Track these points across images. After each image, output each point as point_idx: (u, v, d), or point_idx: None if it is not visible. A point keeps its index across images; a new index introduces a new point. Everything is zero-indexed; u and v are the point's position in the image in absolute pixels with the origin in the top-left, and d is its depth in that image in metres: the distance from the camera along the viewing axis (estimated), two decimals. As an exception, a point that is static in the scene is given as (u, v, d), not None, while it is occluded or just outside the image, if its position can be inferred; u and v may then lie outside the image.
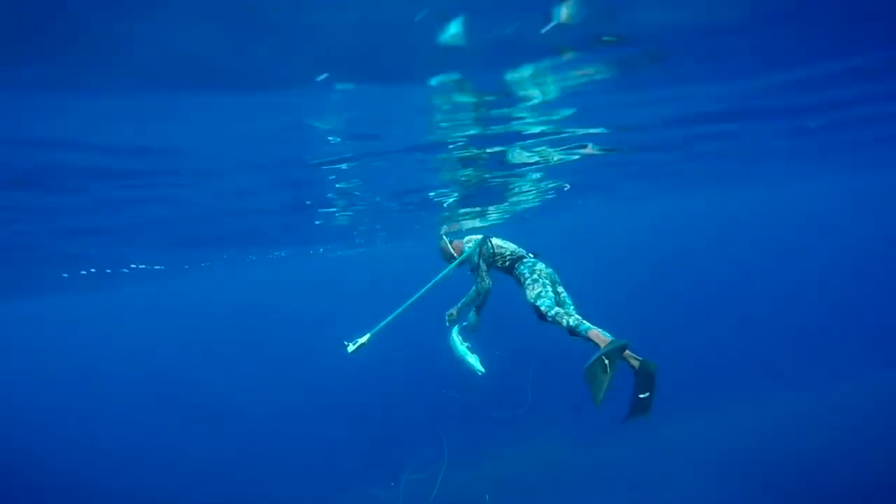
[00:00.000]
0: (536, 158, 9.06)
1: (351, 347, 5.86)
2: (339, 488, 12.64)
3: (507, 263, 6.50)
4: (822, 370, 14.90)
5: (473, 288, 6.60)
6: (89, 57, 3.53)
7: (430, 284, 6.44)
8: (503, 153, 8.40)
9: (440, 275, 6.49)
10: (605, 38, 4.68)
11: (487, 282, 6.40)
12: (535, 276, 6.08)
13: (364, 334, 5.95)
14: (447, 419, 13.33)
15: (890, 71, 6.80)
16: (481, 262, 6.41)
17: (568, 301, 6.14)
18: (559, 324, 5.60)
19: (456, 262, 6.52)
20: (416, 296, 6.41)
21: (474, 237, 6.73)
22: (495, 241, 6.64)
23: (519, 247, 6.66)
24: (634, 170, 11.84)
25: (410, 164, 8.40)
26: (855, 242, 32.79)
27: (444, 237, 7.12)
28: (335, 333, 6.04)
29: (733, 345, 18.04)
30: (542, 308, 5.72)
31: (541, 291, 5.93)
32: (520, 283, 6.29)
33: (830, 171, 17.71)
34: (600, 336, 5.25)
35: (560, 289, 6.23)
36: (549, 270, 6.26)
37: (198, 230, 10.89)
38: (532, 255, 6.54)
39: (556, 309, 5.71)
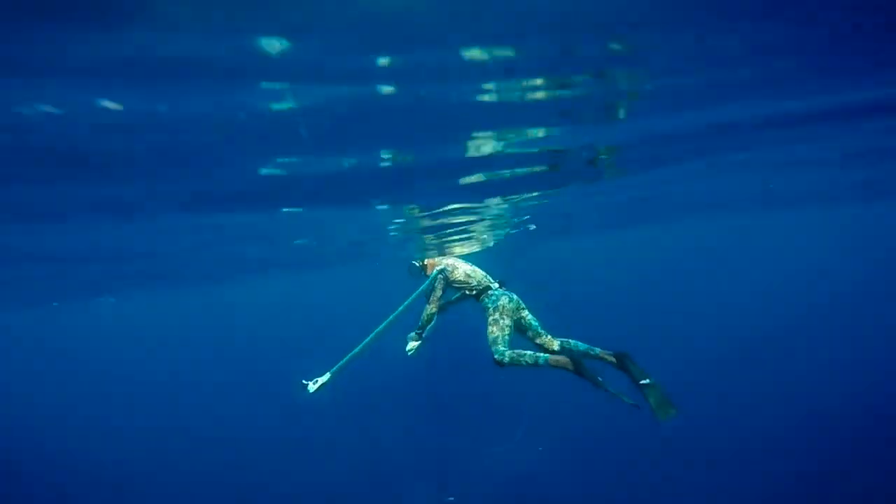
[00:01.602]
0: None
1: (312, 387, 5.84)
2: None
3: (474, 293, 6.59)
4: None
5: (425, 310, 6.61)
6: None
7: (394, 314, 6.40)
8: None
9: (402, 304, 6.46)
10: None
11: (430, 309, 6.43)
12: (495, 316, 6.09)
13: (324, 372, 5.94)
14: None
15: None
16: (437, 288, 6.54)
17: (533, 324, 6.23)
18: (519, 366, 5.67)
19: (415, 292, 6.55)
20: (380, 326, 6.38)
21: (445, 261, 6.80)
22: (462, 268, 6.68)
23: (487, 275, 6.75)
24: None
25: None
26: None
27: (416, 261, 7.12)
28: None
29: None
30: (496, 356, 5.75)
31: (497, 337, 5.91)
32: (485, 313, 6.32)
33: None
34: (560, 360, 5.50)
35: (525, 313, 6.29)
36: (513, 304, 6.25)
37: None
38: (498, 285, 6.58)
39: (510, 353, 5.74)
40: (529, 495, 11.35)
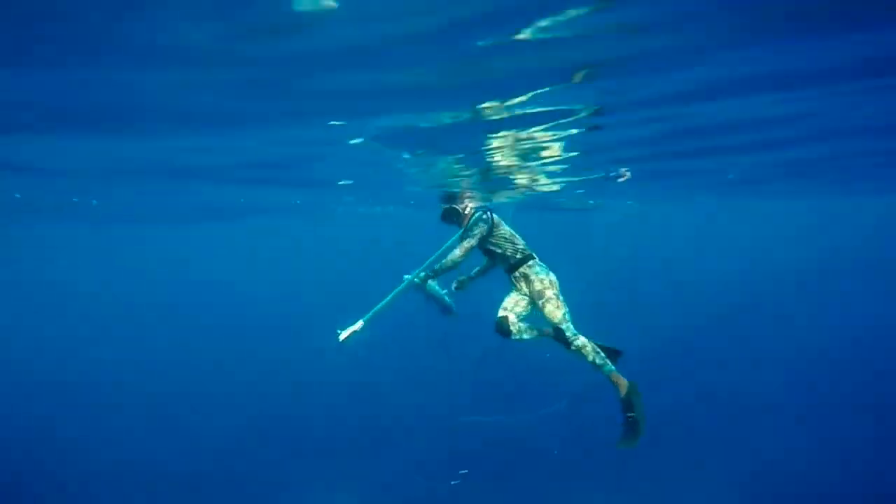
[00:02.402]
0: None
1: (343, 335, 5.82)
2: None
3: (518, 255, 5.70)
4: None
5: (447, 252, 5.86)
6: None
7: (430, 259, 6.23)
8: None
9: (441, 249, 6.28)
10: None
11: (457, 255, 5.60)
12: (551, 291, 5.50)
13: (357, 320, 5.90)
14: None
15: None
16: (475, 235, 5.65)
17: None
18: (582, 357, 5.38)
19: (451, 239, 6.27)
20: (415, 273, 6.26)
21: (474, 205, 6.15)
22: (506, 226, 5.91)
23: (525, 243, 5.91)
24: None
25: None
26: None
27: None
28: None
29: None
30: (569, 334, 5.34)
31: (562, 316, 5.43)
32: (517, 286, 5.70)
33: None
34: (621, 380, 5.30)
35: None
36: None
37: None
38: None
39: (582, 339, 5.38)
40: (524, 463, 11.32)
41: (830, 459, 10.51)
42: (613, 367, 5.36)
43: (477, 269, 6.21)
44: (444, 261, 5.69)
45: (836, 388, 13.79)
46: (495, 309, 5.64)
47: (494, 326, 5.54)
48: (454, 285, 6.30)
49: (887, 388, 13.17)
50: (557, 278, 5.64)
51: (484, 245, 5.77)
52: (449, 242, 6.26)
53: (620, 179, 10.83)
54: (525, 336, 5.51)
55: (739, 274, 29.28)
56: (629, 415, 5.23)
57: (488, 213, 5.87)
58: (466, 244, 5.62)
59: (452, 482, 10.26)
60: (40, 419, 14.18)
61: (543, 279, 5.54)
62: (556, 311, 5.42)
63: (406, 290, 6.17)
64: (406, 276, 6.24)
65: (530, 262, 5.67)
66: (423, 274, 6.04)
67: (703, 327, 19.38)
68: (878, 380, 14.03)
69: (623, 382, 5.28)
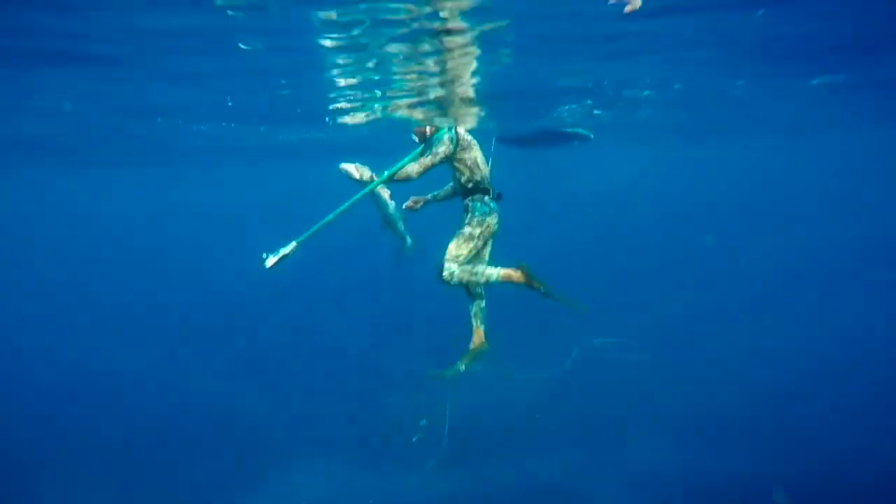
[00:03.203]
0: None
1: (270, 261, 4.57)
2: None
3: (469, 185, 5.45)
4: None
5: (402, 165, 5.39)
6: None
7: (381, 178, 5.23)
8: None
9: (391, 169, 5.19)
10: None
11: (412, 169, 5.20)
12: (473, 230, 5.35)
13: (288, 243, 4.65)
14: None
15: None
16: (436, 153, 5.24)
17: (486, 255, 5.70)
18: (465, 285, 5.43)
19: (410, 155, 5.49)
20: (364, 191, 5.25)
21: (461, 131, 5.49)
22: (476, 153, 5.49)
23: (489, 176, 5.61)
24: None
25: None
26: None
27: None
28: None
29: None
30: (444, 273, 5.18)
31: (460, 255, 5.24)
32: (462, 220, 5.49)
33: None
34: (511, 274, 5.29)
35: (490, 241, 5.67)
36: (496, 226, 5.52)
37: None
38: (496, 196, 5.61)
39: (459, 273, 5.21)
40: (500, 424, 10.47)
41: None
42: (498, 270, 5.33)
43: (438, 192, 5.95)
44: (394, 168, 5.28)
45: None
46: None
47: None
48: (405, 204, 6.07)
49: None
50: (499, 225, 5.52)
51: (451, 166, 5.48)
52: (410, 156, 5.20)
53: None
54: (474, 279, 5.34)
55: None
56: (543, 292, 5.29)
57: (454, 130, 5.36)
58: (425, 160, 5.24)
59: (414, 439, 9.33)
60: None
61: (474, 217, 5.38)
62: (458, 246, 5.24)
63: (351, 207, 5.01)
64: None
65: (476, 196, 5.44)
66: (370, 175, 5.81)
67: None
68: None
69: (516, 275, 5.30)
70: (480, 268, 5.28)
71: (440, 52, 6.45)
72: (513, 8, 5.22)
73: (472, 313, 5.77)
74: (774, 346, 12.89)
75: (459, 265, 5.16)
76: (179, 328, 15.90)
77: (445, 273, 5.14)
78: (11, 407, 11.01)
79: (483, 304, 5.76)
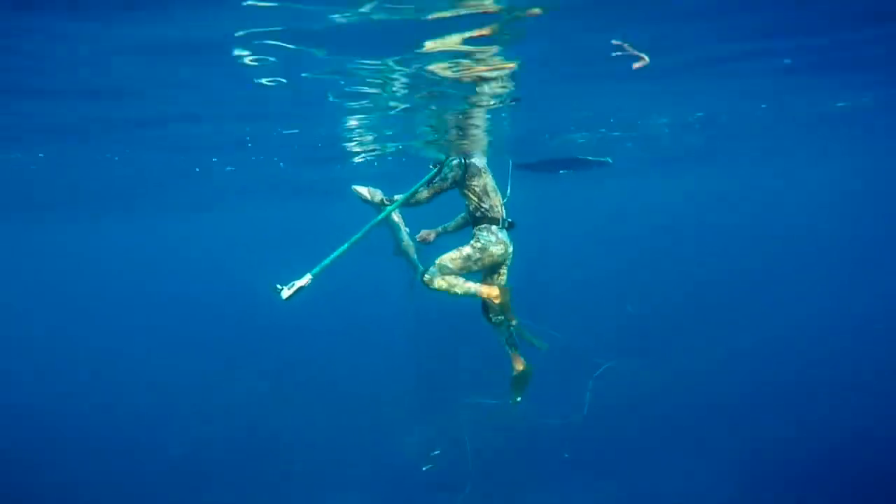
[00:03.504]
0: None
1: (286, 292, 4.57)
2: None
3: (478, 213, 5.41)
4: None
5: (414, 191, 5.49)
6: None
7: (394, 205, 5.24)
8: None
9: (403, 195, 5.21)
10: None
11: (421, 194, 5.35)
12: (476, 254, 5.26)
13: (303, 275, 4.66)
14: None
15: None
16: (447, 178, 5.35)
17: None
18: (440, 292, 5.25)
19: (420, 181, 5.42)
20: (376, 219, 5.24)
21: (474, 158, 5.56)
22: (489, 180, 5.49)
23: (503, 206, 5.58)
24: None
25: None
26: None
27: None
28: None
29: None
30: (427, 275, 5.16)
31: (452, 269, 5.16)
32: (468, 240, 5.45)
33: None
34: (491, 292, 5.33)
35: (504, 269, 5.57)
36: (502, 257, 5.41)
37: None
38: (506, 225, 5.54)
39: (443, 284, 5.16)
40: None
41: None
42: (478, 287, 5.37)
43: (448, 223, 5.87)
44: (405, 194, 5.38)
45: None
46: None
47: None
48: (417, 236, 5.96)
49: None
50: (512, 257, 5.52)
51: (461, 193, 5.47)
52: (423, 180, 5.47)
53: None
54: (452, 290, 5.27)
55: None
56: (506, 324, 5.51)
57: (463, 159, 5.40)
58: (435, 185, 5.37)
59: (424, 468, 9.26)
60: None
61: (478, 243, 5.30)
62: (452, 259, 5.17)
63: (366, 237, 5.01)
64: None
65: (482, 226, 5.36)
66: (383, 199, 5.74)
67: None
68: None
69: (496, 293, 5.37)
70: (461, 280, 5.24)
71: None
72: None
73: (504, 342, 5.73)
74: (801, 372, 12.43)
75: (442, 275, 5.14)
76: (208, 360, 16.05)
77: (427, 276, 5.16)
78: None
79: (511, 328, 5.63)
